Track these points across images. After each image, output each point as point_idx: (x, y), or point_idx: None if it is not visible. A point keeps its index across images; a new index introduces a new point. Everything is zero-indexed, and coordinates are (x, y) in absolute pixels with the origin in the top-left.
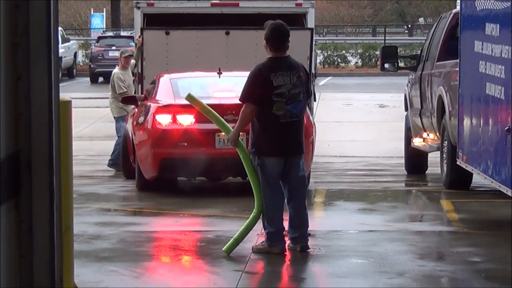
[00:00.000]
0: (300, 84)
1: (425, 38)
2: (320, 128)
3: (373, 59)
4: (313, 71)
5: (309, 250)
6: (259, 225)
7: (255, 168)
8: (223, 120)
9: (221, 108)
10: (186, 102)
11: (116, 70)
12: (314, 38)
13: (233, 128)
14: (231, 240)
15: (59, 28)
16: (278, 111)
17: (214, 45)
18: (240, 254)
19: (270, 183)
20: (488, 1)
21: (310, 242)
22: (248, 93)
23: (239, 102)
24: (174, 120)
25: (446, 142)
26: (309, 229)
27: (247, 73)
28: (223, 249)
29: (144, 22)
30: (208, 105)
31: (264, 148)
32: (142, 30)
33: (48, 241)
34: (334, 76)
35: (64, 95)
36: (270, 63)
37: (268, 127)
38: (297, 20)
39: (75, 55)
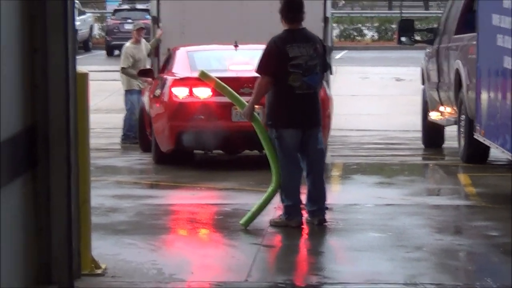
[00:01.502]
0: (316, 56)
1: (442, 11)
2: (336, 102)
3: (389, 33)
4: (329, 44)
5: (326, 224)
6: (276, 199)
7: (272, 141)
8: (237, 95)
9: (237, 81)
10: None
11: (127, 44)
12: (329, 9)
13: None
14: (248, 213)
15: (75, 1)
16: (294, 82)
17: (228, 13)
18: (257, 227)
19: (288, 156)
20: None
21: (328, 215)
22: (264, 65)
23: (255, 75)
24: (191, 93)
25: (463, 115)
26: (326, 202)
27: (263, 46)
28: (240, 222)
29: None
30: (225, 78)
31: (280, 120)
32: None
33: (66, 214)
34: (350, 49)
35: (80, 68)
36: (286, 35)
37: (284, 99)
38: None
39: (91, 28)
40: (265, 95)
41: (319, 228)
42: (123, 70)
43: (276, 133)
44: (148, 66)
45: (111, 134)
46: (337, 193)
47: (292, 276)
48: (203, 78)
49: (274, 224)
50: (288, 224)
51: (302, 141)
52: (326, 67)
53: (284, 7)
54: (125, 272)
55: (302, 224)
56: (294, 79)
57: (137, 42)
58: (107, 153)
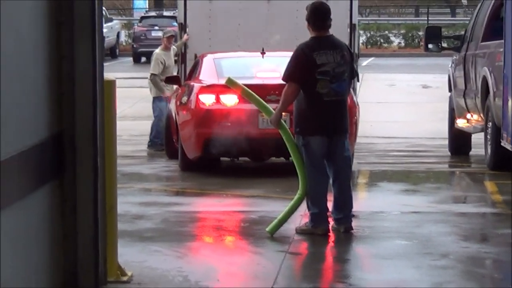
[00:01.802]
0: (344, 63)
1: (468, 18)
2: (362, 109)
3: (416, 40)
4: (355, 51)
5: (352, 231)
6: (302, 206)
7: (299, 148)
8: (264, 102)
9: (264, 89)
10: None
11: (157, 50)
12: (356, 16)
13: (274, 110)
14: (274, 221)
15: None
16: (322, 89)
17: (255, 22)
18: (283, 234)
19: (315, 163)
20: None
21: (354, 223)
22: (291, 72)
23: (282, 82)
24: (218, 100)
25: (490, 123)
26: (353, 210)
27: (290, 53)
28: (267, 229)
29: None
30: (252, 85)
31: (308, 128)
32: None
33: (92, 221)
34: (376, 56)
35: (107, 75)
36: (313, 42)
37: (312, 106)
38: None
39: (118, 35)
40: (292, 102)
41: (345, 235)
42: (153, 77)
43: (303, 140)
44: (174, 73)
45: (137, 141)
46: (363, 201)
47: (318, 283)
48: (230, 85)
49: (300, 231)
50: (314, 232)
51: (329, 148)
52: (353, 74)
53: (311, 14)
54: (151, 279)
55: (328, 232)
56: (322, 86)
57: (167, 49)
58: (133, 160)
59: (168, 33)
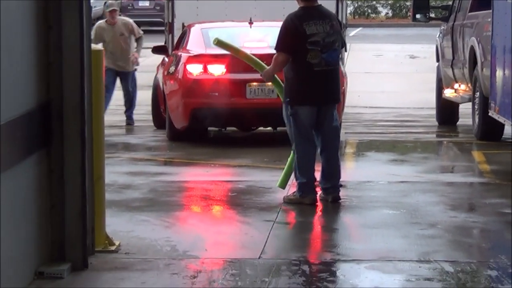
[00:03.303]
0: (334, 33)
1: None
2: (350, 79)
3: (404, 10)
4: (343, 21)
5: (340, 201)
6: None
7: (287, 118)
8: (256, 58)
9: None
10: (217, 52)
11: (98, 22)
12: None
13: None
14: (281, 175)
15: None
16: (312, 59)
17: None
18: (271, 204)
19: (303, 133)
20: None
21: (342, 192)
22: (281, 42)
23: (270, 52)
24: (205, 70)
25: (478, 93)
26: (340, 180)
27: (278, 23)
28: (277, 184)
29: None
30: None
31: (298, 97)
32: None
33: (80, 191)
34: (364, 27)
35: (95, 45)
36: (302, 12)
37: (302, 76)
38: None
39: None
40: (281, 71)
41: (333, 205)
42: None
43: (291, 109)
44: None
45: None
46: (350, 170)
47: (306, 253)
48: (220, 46)
49: (288, 201)
50: (302, 202)
51: (318, 118)
52: (343, 44)
53: None
54: (138, 249)
55: (316, 201)
56: (313, 56)
57: (110, 23)
58: (120, 130)
59: (110, 7)
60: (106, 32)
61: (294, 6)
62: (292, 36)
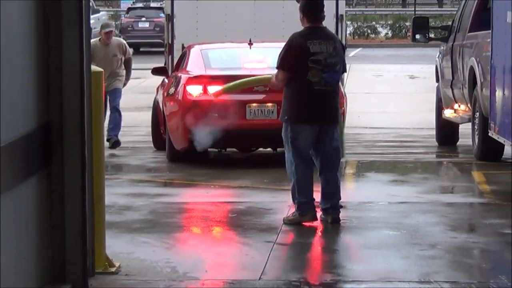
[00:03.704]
0: (336, 55)
1: (456, 9)
2: (350, 99)
3: (403, 30)
4: (343, 42)
5: (340, 222)
6: (289, 196)
7: (285, 137)
8: (258, 77)
9: None
10: (217, 73)
11: (94, 42)
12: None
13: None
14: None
15: None
16: (313, 78)
17: (242, 12)
18: (271, 225)
19: (302, 153)
20: None
21: (342, 213)
22: (283, 61)
23: (270, 73)
24: (205, 91)
25: (477, 113)
26: (340, 200)
27: (277, 44)
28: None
29: None
30: (239, 76)
31: (297, 116)
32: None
33: (80, 212)
34: (364, 47)
35: (95, 66)
36: (308, 32)
37: (302, 94)
38: None
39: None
40: (279, 88)
41: (333, 226)
42: None
43: (291, 129)
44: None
45: (124, 132)
46: (351, 191)
47: (306, 274)
48: (229, 92)
49: (288, 222)
50: (302, 220)
51: (318, 137)
52: (344, 68)
53: (306, 6)
54: (139, 270)
55: (316, 219)
56: (313, 74)
57: (104, 43)
58: (121, 151)
59: (106, 28)
60: (99, 52)
61: (294, 27)
62: (295, 54)
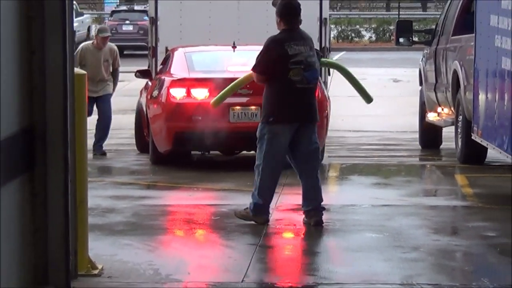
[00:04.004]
0: (313, 54)
1: (439, 12)
2: (334, 103)
3: (387, 34)
4: (326, 45)
5: (323, 225)
6: (273, 199)
7: (261, 139)
8: (239, 79)
9: None
10: (201, 76)
11: (86, 44)
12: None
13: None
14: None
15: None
16: (294, 77)
17: (226, 16)
18: (254, 228)
19: (274, 154)
20: None
21: (325, 216)
22: (258, 64)
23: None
24: (189, 94)
25: (461, 116)
26: (323, 203)
27: (261, 47)
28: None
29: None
30: (223, 79)
31: (277, 115)
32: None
33: (63, 214)
34: (348, 51)
35: (78, 69)
36: (284, 35)
37: (284, 94)
38: None
39: (89, 29)
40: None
41: (316, 229)
42: None
43: (268, 129)
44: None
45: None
46: (334, 194)
47: (289, 276)
48: (218, 104)
49: (240, 216)
50: (254, 220)
51: (296, 137)
52: (319, 59)
53: (283, 11)
54: (121, 272)
55: (268, 221)
56: (295, 73)
57: (98, 48)
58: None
59: (104, 33)
60: (91, 55)
61: (278, 30)
62: (272, 57)
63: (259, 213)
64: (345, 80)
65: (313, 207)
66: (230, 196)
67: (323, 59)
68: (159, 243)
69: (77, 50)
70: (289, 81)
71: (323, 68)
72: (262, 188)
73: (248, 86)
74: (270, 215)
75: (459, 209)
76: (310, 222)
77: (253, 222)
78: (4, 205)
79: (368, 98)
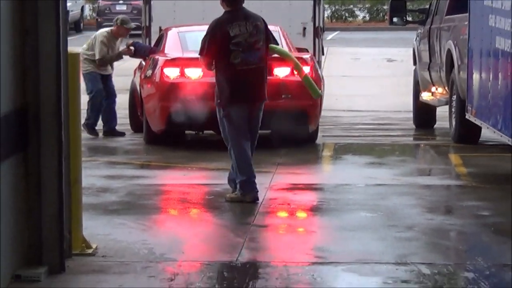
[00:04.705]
0: (257, 33)
1: None
2: (327, 83)
3: (381, 14)
4: (320, 25)
5: (316, 203)
6: (266, 179)
7: (220, 121)
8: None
9: None
10: (194, 55)
11: (104, 33)
12: None
13: None
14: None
15: None
16: (234, 60)
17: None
18: (248, 207)
19: (239, 131)
20: None
21: (319, 195)
22: (203, 47)
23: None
24: (182, 73)
25: (454, 96)
26: (317, 182)
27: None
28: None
29: None
30: None
31: (227, 98)
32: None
33: (57, 194)
34: (341, 30)
35: (72, 49)
36: (226, 16)
37: (227, 76)
38: None
39: (82, 8)
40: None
41: (311, 208)
42: (100, 61)
43: (223, 111)
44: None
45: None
46: (328, 173)
47: (283, 256)
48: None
49: (229, 200)
50: (243, 200)
51: (250, 116)
52: (271, 41)
53: None
54: (115, 251)
55: (257, 199)
56: (234, 56)
57: (117, 36)
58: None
59: (129, 24)
60: (113, 43)
61: (272, 9)
62: (215, 39)
63: (247, 190)
64: (339, 59)
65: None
66: (224, 175)
67: (271, 45)
68: (153, 222)
69: (103, 36)
70: (231, 64)
71: (316, 48)
72: (240, 166)
73: None
74: (258, 191)
75: (453, 189)
76: (246, 199)
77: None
78: None
79: (316, 93)
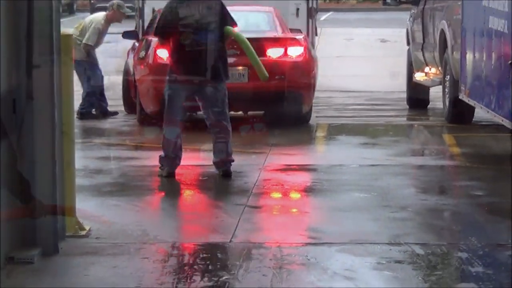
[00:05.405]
0: (210, 15)
1: None
2: (321, 63)
3: None
4: (314, 5)
5: (310, 184)
6: (260, 160)
7: (163, 95)
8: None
9: None
10: None
11: (99, 18)
12: None
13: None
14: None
15: None
16: (184, 41)
17: None
18: (242, 188)
19: (173, 112)
20: None
21: (313, 176)
22: (156, 27)
23: (252, 36)
24: None
25: (448, 76)
26: (311, 163)
27: (250, 8)
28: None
29: None
30: None
31: (175, 77)
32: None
33: (50, 176)
34: (335, 11)
35: (65, 30)
36: None
37: (177, 57)
38: None
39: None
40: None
41: (304, 188)
42: (88, 47)
43: (168, 88)
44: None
45: None
46: (321, 154)
47: (277, 236)
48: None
49: (159, 174)
50: (161, 174)
51: (198, 97)
52: (226, 23)
53: None
54: (109, 233)
55: (172, 174)
56: (185, 37)
57: (111, 21)
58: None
59: (125, 9)
60: (105, 30)
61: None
62: (166, 21)
63: (163, 165)
64: (332, 40)
65: (220, 160)
66: None
67: (227, 27)
68: (147, 203)
69: (97, 25)
70: (181, 45)
71: (310, 28)
72: (164, 143)
73: (235, 46)
74: (174, 169)
75: (446, 169)
76: (218, 172)
77: (233, 183)
78: None
79: (263, 75)
